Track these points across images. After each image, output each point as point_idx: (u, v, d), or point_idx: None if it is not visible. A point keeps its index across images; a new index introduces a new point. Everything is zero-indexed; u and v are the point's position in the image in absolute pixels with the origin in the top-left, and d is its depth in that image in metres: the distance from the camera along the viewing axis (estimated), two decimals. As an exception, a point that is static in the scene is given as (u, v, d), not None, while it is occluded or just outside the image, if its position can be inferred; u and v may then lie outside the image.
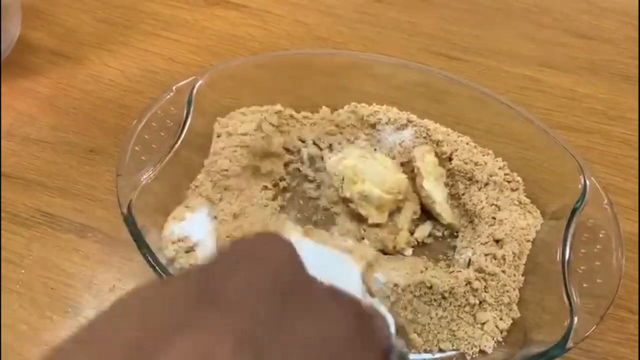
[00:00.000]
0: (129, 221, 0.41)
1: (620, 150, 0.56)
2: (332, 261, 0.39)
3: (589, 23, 0.70)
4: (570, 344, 0.36)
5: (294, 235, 0.42)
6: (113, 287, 0.46)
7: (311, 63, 0.54)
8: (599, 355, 0.43)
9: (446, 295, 0.41)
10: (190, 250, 0.43)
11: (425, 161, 0.49)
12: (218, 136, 0.50)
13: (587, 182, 0.44)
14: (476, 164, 0.49)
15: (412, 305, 0.41)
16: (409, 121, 0.52)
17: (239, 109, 0.53)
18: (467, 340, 0.40)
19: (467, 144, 0.51)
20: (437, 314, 0.41)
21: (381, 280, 0.41)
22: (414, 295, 0.41)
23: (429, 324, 0.41)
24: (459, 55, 0.65)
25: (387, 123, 0.52)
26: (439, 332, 0.41)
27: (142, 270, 0.46)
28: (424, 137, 0.51)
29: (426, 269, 0.43)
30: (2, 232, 0.49)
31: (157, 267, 0.39)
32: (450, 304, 0.41)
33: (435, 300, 0.41)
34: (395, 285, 0.41)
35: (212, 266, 0.20)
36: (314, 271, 0.28)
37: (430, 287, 0.41)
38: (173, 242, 0.43)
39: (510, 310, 0.41)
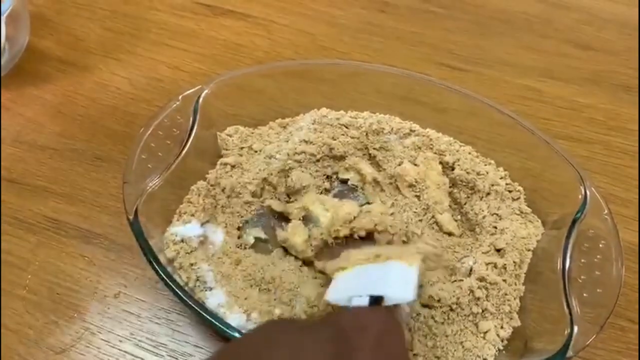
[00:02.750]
0: (135, 228, 0.42)
1: (621, 161, 0.56)
2: (385, 273, 0.38)
3: (590, 34, 0.70)
4: (570, 353, 0.36)
5: (335, 277, 0.41)
6: (118, 293, 0.46)
7: (315, 73, 0.55)
8: (599, 364, 0.43)
9: (454, 307, 0.42)
10: (192, 250, 0.44)
11: (430, 169, 0.50)
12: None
13: (588, 192, 0.44)
14: (478, 173, 0.49)
15: (432, 331, 0.41)
16: (412, 130, 0.53)
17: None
18: (472, 351, 0.41)
19: (470, 153, 0.51)
20: (452, 331, 0.41)
21: (406, 310, 0.41)
22: (435, 320, 0.41)
23: (446, 345, 0.41)
24: (461, 66, 0.66)
25: (390, 132, 0.52)
26: (455, 350, 0.41)
27: (148, 277, 0.47)
28: (428, 147, 0.52)
29: (436, 281, 0.44)
30: (9, 237, 0.49)
31: (161, 272, 0.40)
32: (457, 315, 0.42)
33: (444, 312, 0.42)
34: (418, 314, 0.41)
35: (345, 337, 0.26)
36: (373, 288, 0.35)
37: (439, 300, 0.42)
38: (175, 243, 0.44)
39: (511, 319, 0.42)
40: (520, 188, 0.49)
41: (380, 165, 0.52)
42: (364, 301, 0.35)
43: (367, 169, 0.51)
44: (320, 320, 0.28)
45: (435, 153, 0.51)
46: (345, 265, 0.40)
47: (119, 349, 0.44)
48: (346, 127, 0.52)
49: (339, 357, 0.24)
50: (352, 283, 0.38)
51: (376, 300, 0.35)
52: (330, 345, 0.24)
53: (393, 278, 0.37)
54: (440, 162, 0.51)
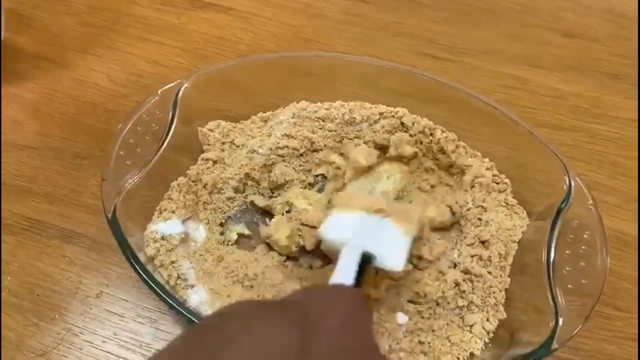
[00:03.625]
0: (113, 225, 0.41)
1: (605, 148, 0.56)
2: (381, 232, 0.38)
3: (574, 21, 0.70)
4: (555, 345, 0.36)
5: (333, 213, 0.40)
6: (100, 293, 0.46)
7: (298, 65, 0.54)
8: (586, 353, 0.43)
9: (440, 301, 0.41)
10: (173, 248, 0.43)
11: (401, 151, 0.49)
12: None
13: (572, 182, 0.44)
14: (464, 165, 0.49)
15: (418, 327, 0.41)
16: (380, 114, 0.51)
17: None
18: (459, 345, 0.40)
19: (454, 140, 0.51)
20: (438, 326, 0.41)
21: (404, 319, 0.42)
22: (421, 316, 0.42)
23: (433, 340, 0.40)
24: (445, 56, 0.65)
25: (361, 121, 0.51)
26: (442, 345, 0.40)
27: (130, 276, 0.46)
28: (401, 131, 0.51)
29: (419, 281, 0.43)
30: (-13, 239, 0.48)
31: (140, 271, 0.39)
32: (443, 309, 0.41)
33: (430, 307, 0.41)
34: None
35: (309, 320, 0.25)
36: (361, 240, 0.36)
37: (425, 296, 0.41)
38: (155, 241, 0.43)
39: (497, 311, 0.42)
40: (507, 180, 0.48)
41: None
42: (356, 255, 0.35)
43: (338, 161, 0.51)
44: (285, 300, 0.28)
45: (411, 136, 0.50)
46: (346, 205, 0.40)
47: (102, 350, 0.43)
48: (323, 121, 0.51)
49: (303, 341, 0.24)
50: (348, 228, 0.38)
51: (368, 259, 0.35)
52: (295, 330, 0.24)
53: (388, 242, 0.37)
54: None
